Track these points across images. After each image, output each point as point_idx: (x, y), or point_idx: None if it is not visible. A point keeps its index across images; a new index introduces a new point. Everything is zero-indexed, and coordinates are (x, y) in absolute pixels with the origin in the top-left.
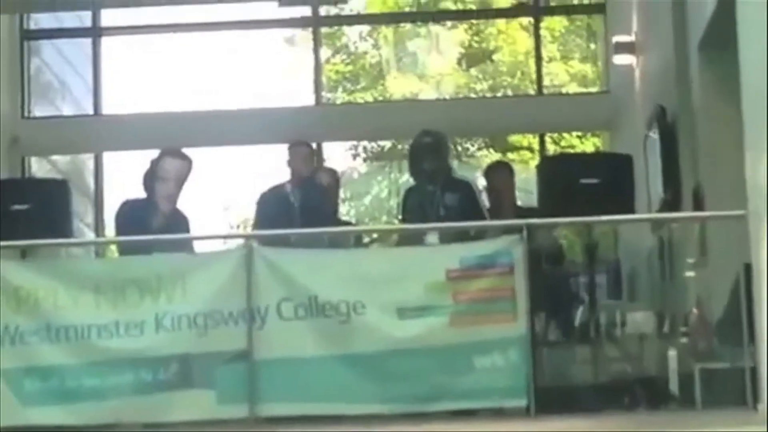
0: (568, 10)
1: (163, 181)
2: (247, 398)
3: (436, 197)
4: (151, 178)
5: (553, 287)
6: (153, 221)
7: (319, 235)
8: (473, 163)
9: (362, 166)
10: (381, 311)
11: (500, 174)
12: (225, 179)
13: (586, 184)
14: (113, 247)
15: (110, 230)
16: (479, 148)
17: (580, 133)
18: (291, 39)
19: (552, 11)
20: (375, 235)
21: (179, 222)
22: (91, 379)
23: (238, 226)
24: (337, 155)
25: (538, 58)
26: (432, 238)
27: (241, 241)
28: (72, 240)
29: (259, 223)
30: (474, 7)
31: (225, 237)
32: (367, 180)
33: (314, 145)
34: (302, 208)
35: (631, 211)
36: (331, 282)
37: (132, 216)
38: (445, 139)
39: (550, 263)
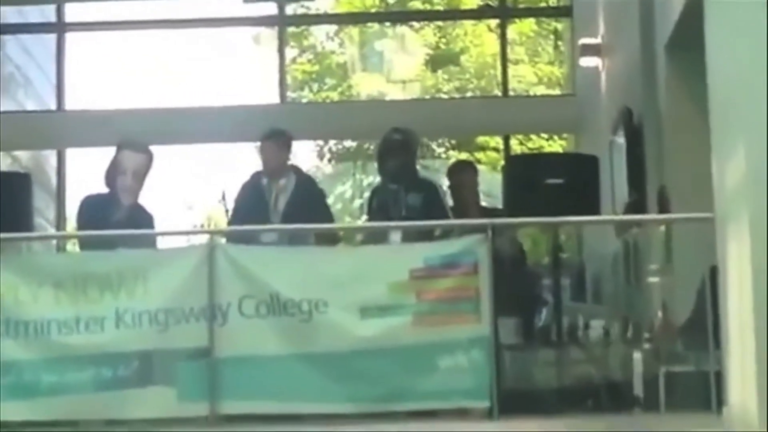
0: (534, 13)
1: (123, 174)
2: (208, 396)
3: (399, 197)
4: (111, 173)
5: (517, 288)
6: (114, 216)
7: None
8: (439, 164)
9: (327, 166)
10: (343, 310)
11: (463, 173)
12: (189, 178)
13: (551, 185)
14: (74, 244)
15: (72, 227)
16: (446, 150)
17: (546, 136)
18: (257, 37)
19: (518, 13)
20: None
21: (141, 217)
22: (50, 375)
23: (201, 225)
24: (302, 155)
25: (504, 60)
26: (395, 237)
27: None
28: (32, 234)
29: (235, 212)
30: (441, 8)
31: (187, 233)
32: (332, 180)
33: None
34: (292, 202)
35: (597, 213)
36: (294, 280)
37: (93, 211)
38: (414, 137)
39: (511, 265)
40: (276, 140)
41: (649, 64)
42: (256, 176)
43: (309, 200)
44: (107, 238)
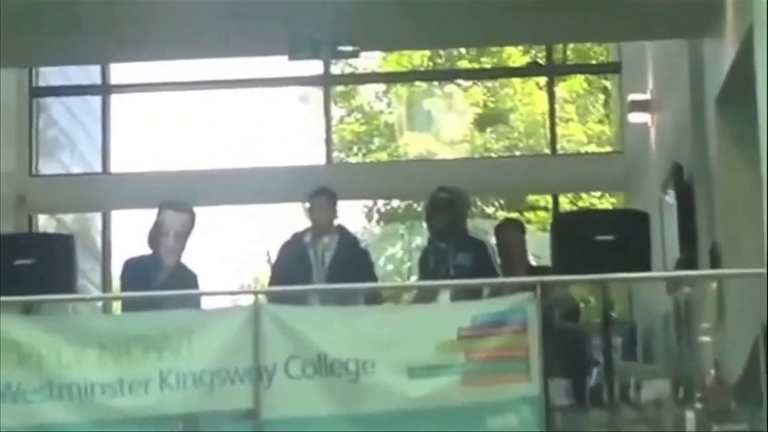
0: (582, 69)
1: (165, 235)
2: None
3: (448, 256)
4: (154, 234)
5: (568, 347)
6: (157, 277)
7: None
8: (489, 225)
9: (376, 227)
10: (391, 370)
11: (511, 231)
12: (236, 238)
13: (601, 241)
14: (119, 306)
15: (117, 289)
16: (496, 209)
17: (597, 194)
18: (304, 97)
19: (566, 70)
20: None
21: (185, 277)
22: None
23: (248, 286)
24: (350, 216)
25: (553, 118)
26: (444, 296)
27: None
28: (75, 296)
29: (275, 274)
30: (489, 67)
31: (232, 293)
32: (381, 242)
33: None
34: (336, 259)
35: (647, 270)
36: (341, 340)
37: (135, 273)
38: (461, 195)
39: (566, 320)
40: (324, 198)
41: (699, 119)
42: (298, 236)
43: (352, 258)
44: (150, 299)
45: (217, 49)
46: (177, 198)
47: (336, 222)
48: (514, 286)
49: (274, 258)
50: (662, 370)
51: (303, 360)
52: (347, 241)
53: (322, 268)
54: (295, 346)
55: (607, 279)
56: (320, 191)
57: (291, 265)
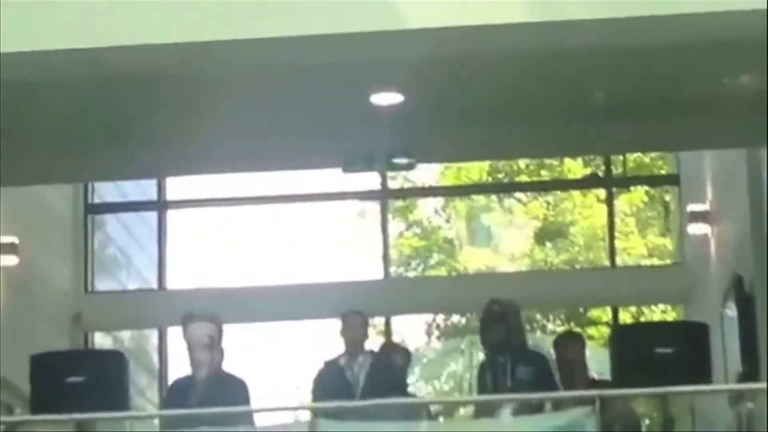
0: (641, 182)
1: (192, 348)
2: None
3: (506, 369)
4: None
5: None
6: (192, 395)
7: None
8: (550, 341)
9: (436, 343)
10: None
11: (570, 345)
12: (296, 356)
13: (661, 354)
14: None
15: None
16: (557, 325)
17: (658, 307)
18: (363, 212)
19: (625, 182)
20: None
21: (226, 386)
22: None
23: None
24: (410, 332)
25: (612, 231)
26: (505, 412)
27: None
28: (123, 413)
29: (315, 400)
30: (548, 179)
31: (279, 409)
32: (441, 358)
33: (383, 320)
34: (369, 381)
35: (708, 383)
36: None
37: (177, 393)
38: (514, 307)
39: None
40: (358, 317)
41: (760, 229)
42: (332, 362)
43: (387, 375)
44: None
45: (271, 162)
46: (238, 318)
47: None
48: (574, 400)
49: (311, 389)
50: None
51: None
52: (379, 358)
53: (358, 389)
54: None
55: (668, 392)
56: (353, 311)
57: (331, 391)
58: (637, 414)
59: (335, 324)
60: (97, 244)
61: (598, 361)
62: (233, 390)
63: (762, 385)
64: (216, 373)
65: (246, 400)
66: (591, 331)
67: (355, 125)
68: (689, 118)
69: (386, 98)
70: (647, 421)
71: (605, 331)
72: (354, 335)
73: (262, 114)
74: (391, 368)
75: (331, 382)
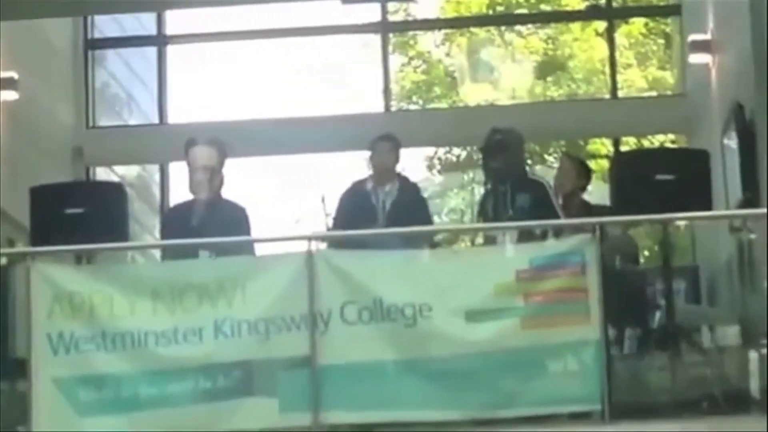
0: (642, 12)
1: (193, 171)
2: (310, 406)
3: (507, 198)
4: (189, 176)
5: (628, 289)
6: (191, 218)
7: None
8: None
9: (438, 177)
10: (448, 314)
11: (565, 162)
12: (296, 190)
13: (661, 181)
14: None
15: None
16: (555, 158)
17: (660, 137)
18: (366, 43)
19: (626, 13)
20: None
21: (226, 210)
22: (148, 388)
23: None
24: (412, 166)
25: (613, 63)
26: (506, 240)
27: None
28: (115, 244)
29: (337, 224)
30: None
31: (286, 239)
32: (443, 191)
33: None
34: (396, 205)
35: (709, 210)
36: (397, 285)
37: (173, 219)
38: (516, 136)
39: (625, 262)
40: (388, 143)
41: (761, 58)
42: (359, 184)
43: (412, 205)
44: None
45: None
46: (240, 152)
47: (398, 169)
48: (572, 227)
49: (333, 207)
50: (726, 313)
51: (359, 306)
52: (408, 188)
53: (383, 214)
54: (350, 292)
55: (667, 219)
56: (384, 137)
57: (354, 212)
58: (635, 242)
59: (336, 157)
60: (97, 80)
61: (598, 194)
62: (233, 215)
63: (762, 210)
64: (216, 197)
65: (246, 225)
66: (591, 164)
67: None
68: None
69: None
70: (647, 253)
71: (605, 164)
72: (381, 161)
73: None
74: (417, 200)
75: (356, 207)
